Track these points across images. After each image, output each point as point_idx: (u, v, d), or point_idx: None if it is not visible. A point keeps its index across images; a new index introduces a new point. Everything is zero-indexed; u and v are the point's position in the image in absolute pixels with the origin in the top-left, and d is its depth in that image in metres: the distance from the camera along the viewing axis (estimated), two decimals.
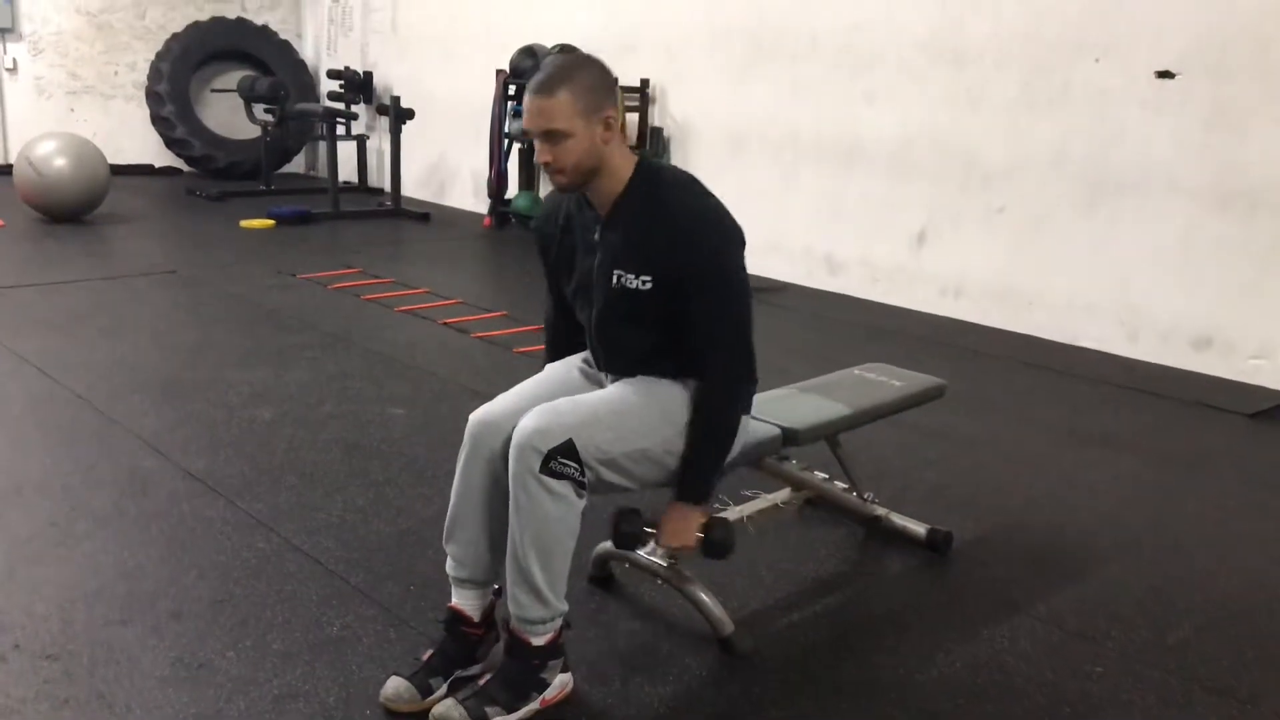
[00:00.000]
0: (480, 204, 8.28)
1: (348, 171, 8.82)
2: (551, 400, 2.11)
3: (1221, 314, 4.75)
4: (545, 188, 7.95)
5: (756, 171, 6.36)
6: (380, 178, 9.28)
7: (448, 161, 8.78)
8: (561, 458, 1.96)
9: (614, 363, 2.23)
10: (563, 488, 1.98)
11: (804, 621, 2.53)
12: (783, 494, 2.77)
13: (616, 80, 2.11)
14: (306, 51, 10.08)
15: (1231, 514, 3.28)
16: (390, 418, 3.77)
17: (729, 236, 2.09)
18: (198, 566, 2.65)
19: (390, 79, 9.07)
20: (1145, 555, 2.95)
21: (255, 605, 2.48)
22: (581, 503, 2.02)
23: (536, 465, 1.96)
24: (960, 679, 2.30)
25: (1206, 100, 4.68)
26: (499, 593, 2.21)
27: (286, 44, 9.79)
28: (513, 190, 7.91)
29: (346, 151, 8.70)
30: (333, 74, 9.20)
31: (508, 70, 7.55)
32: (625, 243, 2.11)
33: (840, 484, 2.92)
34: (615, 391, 2.15)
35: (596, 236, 2.15)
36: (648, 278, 2.09)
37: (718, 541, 2.25)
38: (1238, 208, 4.64)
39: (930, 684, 2.28)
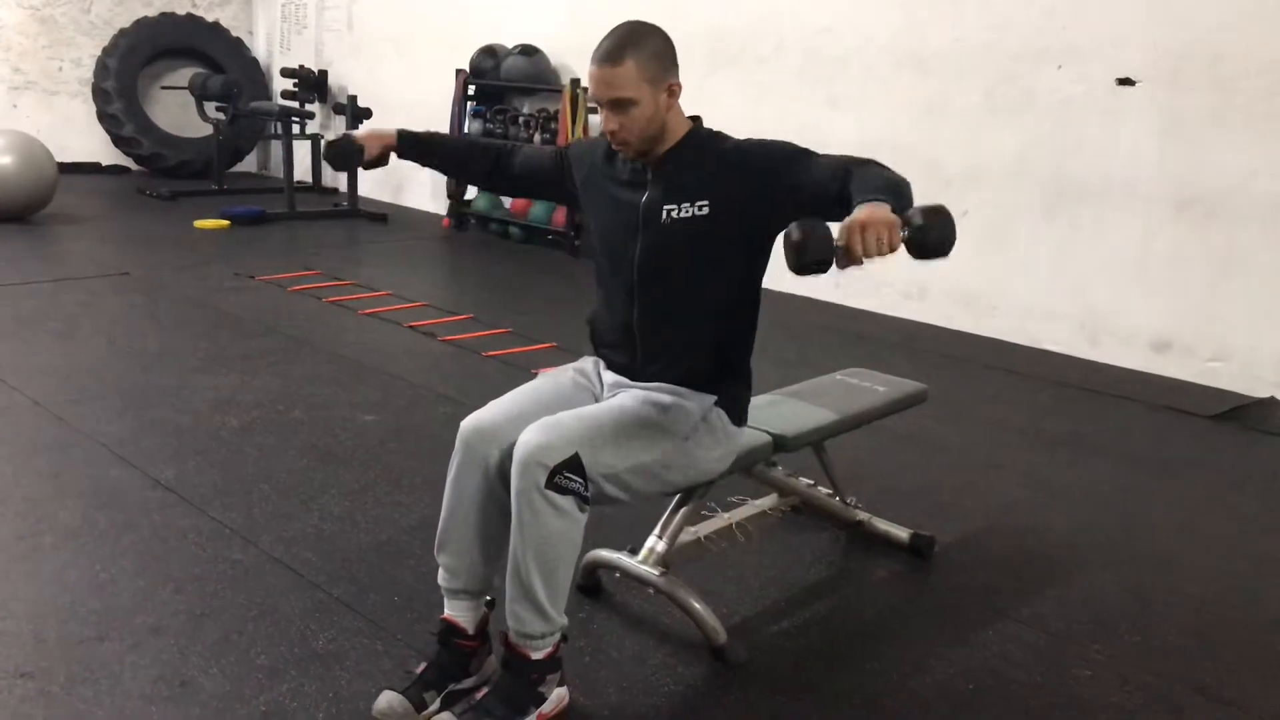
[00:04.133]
0: (439, 204, 8.21)
1: (301, 171, 8.68)
2: (546, 410, 2.09)
3: (1180, 318, 4.83)
4: None
5: None
6: (335, 178, 9.15)
7: (405, 162, 8.64)
8: (567, 473, 1.93)
9: (647, 318, 2.18)
10: (567, 503, 1.95)
11: (794, 629, 2.52)
12: (769, 500, 2.77)
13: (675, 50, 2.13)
14: (259, 49, 9.91)
15: (1202, 516, 3.33)
16: (362, 424, 3.71)
17: (786, 142, 2.11)
18: (174, 580, 2.58)
19: (345, 78, 8.94)
20: (1123, 558, 2.99)
21: (236, 619, 2.41)
22: (584, 517, 1.99)
23: (542, 480, 1.92)
24: (954, 685, 2.31)
25: (1164, 110, 4.76)
26: (492, 604, 2.18)
27: (238, 41, 9.62)
28: (472, 191, 7.84)
29: (300, 151, 8.56)
30: (286, 72, 9.06)
31: (467, 70, 7.49)
32: (679, 179, 2.12)
33: (823, 489, 2.92)
34: (617, 403, 2.13)
35: (649, 176, 2.16)
36: (704, 203, 2.09)
37: (928, 227, 1.77)
38: (1195, 214, 4.73)
39: (925, 691, 2.29)
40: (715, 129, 2.20)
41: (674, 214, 2.12)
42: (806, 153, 2.07)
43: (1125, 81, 4.87)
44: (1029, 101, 5.17)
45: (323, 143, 2.43)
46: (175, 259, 6.24)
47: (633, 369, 2.22)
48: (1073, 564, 2.94)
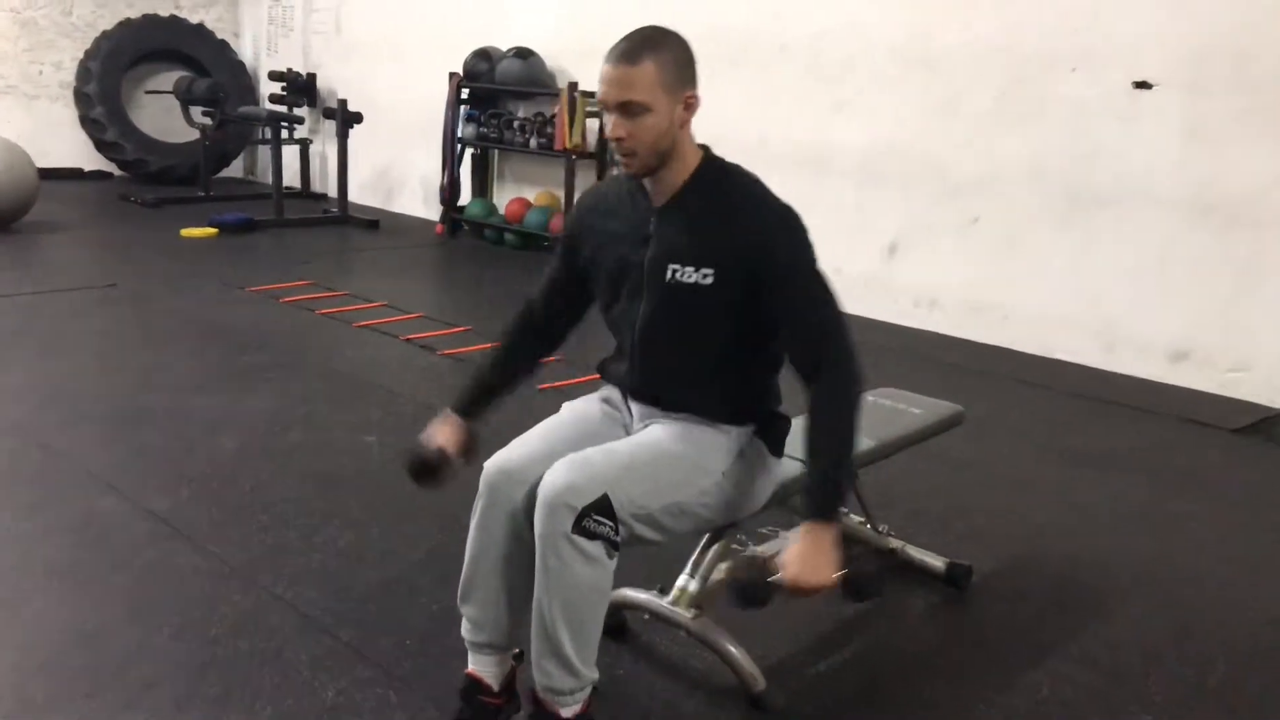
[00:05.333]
0: (431, 211, 8.04)
1: (290, 176, 8.49)
2: (575, 445, 1.94)
3: (1199, 327, 4.71)
4: (499, 195, 7.74)
5: None
6: (324, 183, 8.97)
7: (396, 167, 8.51)
8: (596, 515, 1.78)
9: (651, 380, 2.04)
10: (595, 549, 1.80)
11: (832, 671, 2.38)
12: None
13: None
14: (245, 52, 9.71)
15: (1238, 538, 3.21)
16: (363, 446, 3.55)
17: (804, 231, 1.95)
18: (170, 625, 2.41)
19: (335, 81, 8.76)
20: (1163, 586, 2.86)
21: (240, 669, 2.25)
22: (613, 563, 1.84)
23: (569, 525, 1.77)
24: None
25: (1184, 113, 4.64)
26: (520, 657, 2.03)
27: (223, 44, 9.43)
28: (465, 197, 7.68)
29: (289, 156, 8.38)
30: (274, 75, 8.87)
31: (461, 73, 7.32)
32: (684, 234, 1.94)
33: (855, 516, 2.78)
34: (648, 438, 1.97)
35: (651, 229, 1.97)
36: (709, 270, 1.91)
37: (867, 577, 1.88)
38: (1215, 221, 4.61)
39: None
40: (728, 163, 2.01)
41: (678, 275, 1.93)
42: (809, 282, 1.92)
43: (1142, 85, 4.74)
44: (1042, 105, 5.04)
45: (406, 467, 2.12)
46: (162, 269, 6.05)
47: (659, 404, 2.07)
48: (1114, 592, 2.81)
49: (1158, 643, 2.55)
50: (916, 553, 2.81)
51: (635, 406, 2.10)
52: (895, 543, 2.82)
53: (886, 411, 2.75)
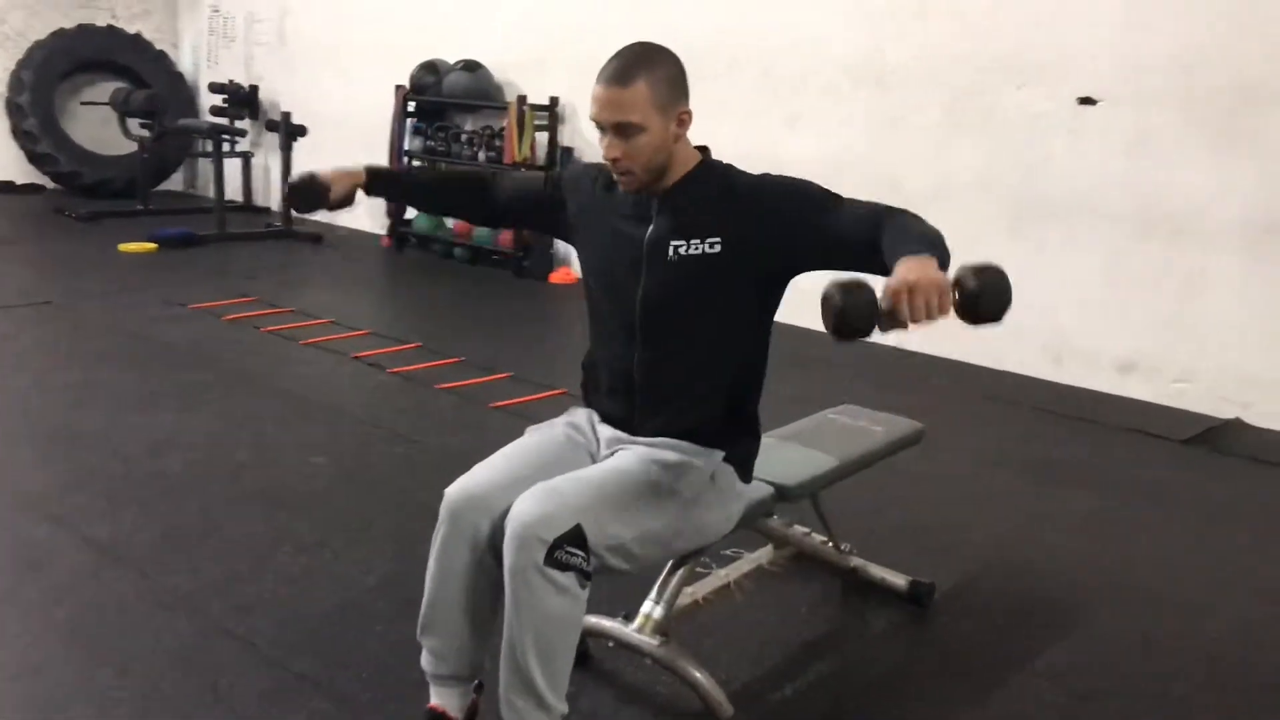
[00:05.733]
0: (376, 224, 7.93)
1: (231, 190, 8.32)
2: (540, 472, 1.89)
3: (1145, 339, 4.78)
4: None
5: None
6: (266, 197, 8.82)
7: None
8: (568, 547, 1.73)
9: (651, 363, 1.98)
10: (567, 580, 1.74)
11: (799, 695, 2.34)
12: (766, 553, 2.59)
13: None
14: (184, 63, 9.52)
15: (1194, 550, 3.23)
16: (312, 468, 3.46)
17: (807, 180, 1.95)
18: (115, 659, 2.31)
19: (277, 93, 8.61)
20: (1124, 599, 2.87)
21: (189, 705, 2.17)
22: (585, 594, 1.79)
23: (540, 557, 1.72)
24: None
25: (1129, 129, 4.71)
26: (481, 688, 1.97)
27: (161, 54, 9.23)
28: (412, 211, 7.58)
29: (230, 169, 8.20)
30: (214, 87, 8.71)
31: (408, 86, 7.24)
32: (688, 213, 1.94)
33: (817, 536, 2.76)
34: (618, 465, 1.92)
35: (653, 210, 1.97)
36: (716, 240, 1.91)
37: (989, 291, 1.59)
38: (1160, 234, 4.68)
39: None
40: (727, 162, 2.02)
41: (682, 250, 1.93)
42: (834, 197, 1.91)
43: (1086, 100, 4.81)
44: (991, 119, 5.09)
45: (286, 184, 2.19)
46: (100, 285, 5.89)
47: (631, 422, 2.02)
48: (1076, 606, 2.81)
49: (1121, 658, 2.55)
50: (878, 571, 2.79)
51: (603, 431, 2.05)
52: (856, 561, 2.80)
53: (847, 429, 2.73)
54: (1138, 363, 4.80)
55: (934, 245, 1.69)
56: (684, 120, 1.92)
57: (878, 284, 1.66)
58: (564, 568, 1.74)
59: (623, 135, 1.86)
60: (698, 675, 2.17)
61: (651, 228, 1.97)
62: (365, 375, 4.53)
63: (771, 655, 2.48)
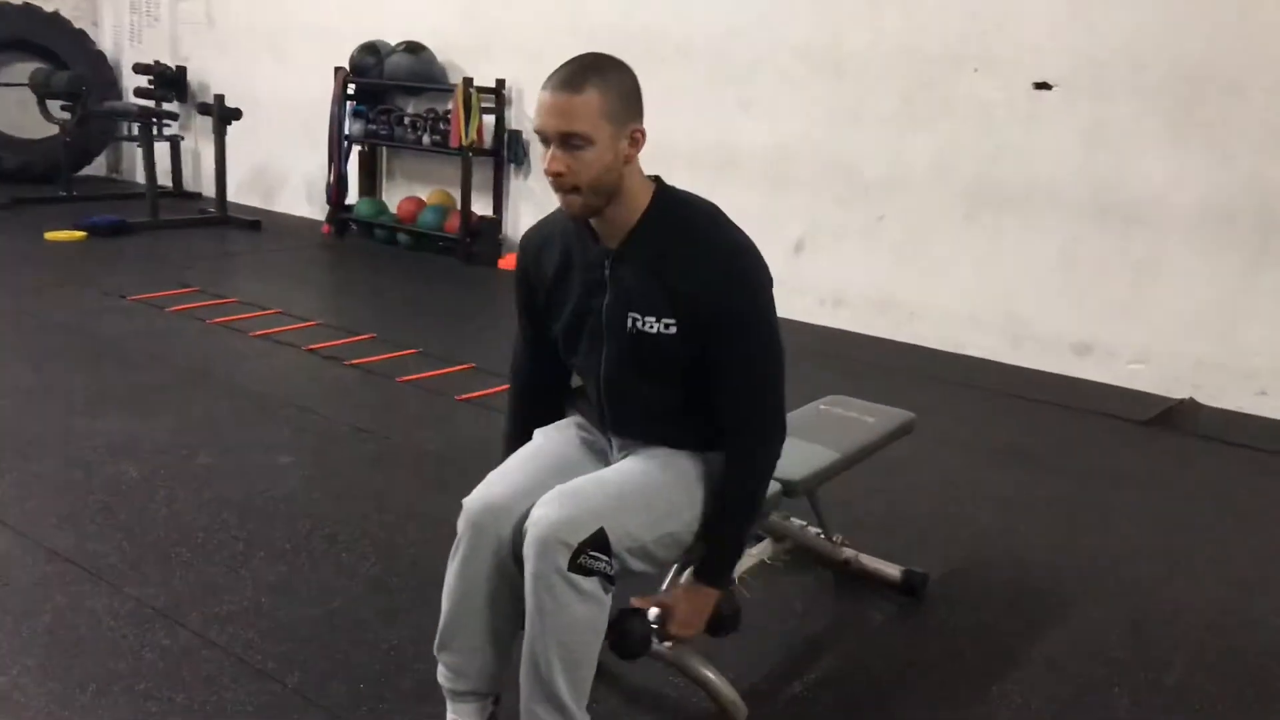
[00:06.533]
0: (315, 210, 7.74)
1: (160, 175, 8.00)
2: (559, 477, 1.82)
3: (1100, 321, 4.85)
4: (389, 193, 7.48)
5: None
6: (197, 182, 8.54)
7: (276, 165, 8.15)
8: (592, 551, 1.67)
9: (622, 423, 1.94)
10: (591, 585, 1.69)
11: (807, 692, 2.31)
12: (765, 547, 2.55)
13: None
14: (105, 43, 9.14)
15: (1168, 531, 3.28)
16: (279, 468, 3.34)
17: (765, 276, 1.83)
18: (94, 678, 2.20)
19: (208, 75, 8.34)
20: (1109, 583, 2.90)
21: None
22: (608, 599, 1.74)
23: (564, 562, 1.66)
24: None
25: (1085, 117, 4.76)
26: (498, 701, 1.90)
27: (81, 34, 8.85)
28: (353, 195, 7.40)
29: (158, 154, 7.90)
30: (140, 68, 8.38)
31: (347, 68, 7.04)
32: (643, 280, 1.80)
33: (812, 529, 2.73)
34: (636, 467, 1.86)
35: (606, 273, 1.84)
36: (670, 320, 1.79)
37: (728, 617, 2.00)
38: (1115, 219, 4.75)
39: None
40: (682, 193, 1.86)
41: (639, 325, 1.81)
42: (758, 343, 1.83)
43: (1042, 85, 4.85)
44: (948, 107, 5.11)
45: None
46: (30, 277, 5.63)
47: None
48: (1062, 594, 2.83)
49: (1113, 645, 2.57)
50: (871, 562, 2.78)
51: (614, 436, 1.99)
52: (849, 553, 2.78)
53: (841, 421, 2.70)
54: (1093, 345, 4.87)
55: (730, 562, 1.95)
56: (637, 139, 1.76)
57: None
58: (588, 573, 1.68)
59: (568, 148, 1.70)
60: (711, 676, 2.12)
61: (608, 297, 1.84)
62: (323, 369, 4.40)
63: (775, 653, 2.46)
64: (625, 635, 1.86)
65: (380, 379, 4.28)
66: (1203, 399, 4.59)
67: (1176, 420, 4.40)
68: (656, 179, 1.86)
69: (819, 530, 2.73)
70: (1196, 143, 4.50)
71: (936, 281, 5.25)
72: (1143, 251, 4.70)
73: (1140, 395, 4.63)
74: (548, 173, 1.74)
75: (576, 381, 2.09)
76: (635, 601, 1.91)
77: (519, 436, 2.03)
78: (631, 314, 1.82)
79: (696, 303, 1.78)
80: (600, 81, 1.70)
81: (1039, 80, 4.84)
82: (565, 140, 1.70)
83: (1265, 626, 2.72)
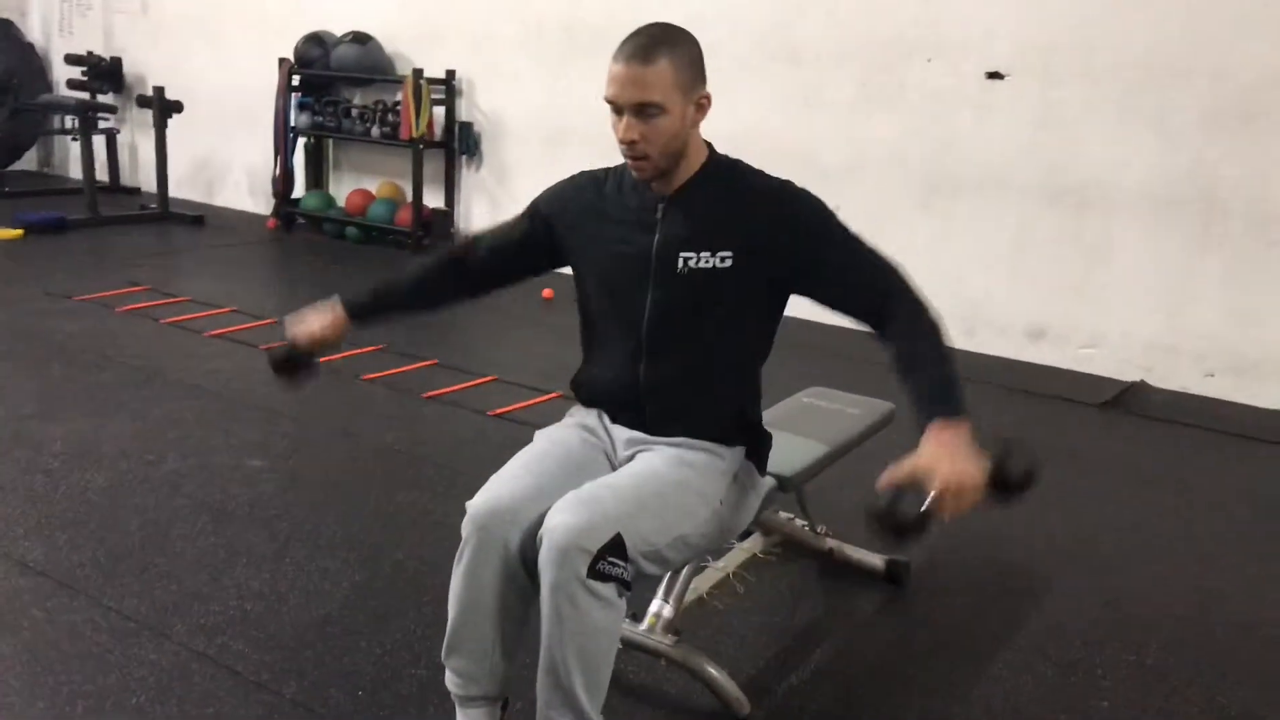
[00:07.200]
0: (259, 204, 7.60)
1: (95, 170, 7.81)
2: (566, 479, 1.82)
3: (1054, 306, 4.96)
4: (336, 186, 7.36)
5: (579, 169, 6.09)
6: (135, 176, 8.34)
7: (217, 158, 7.97)
8: (611, 557, 1.67)
9: (653, 386, 1.92)
10: (609, 591, 1.68)
11: (805, 684, 2.34)
12: (756, 542, 2.58)
13: None
14: (34, 33, 8.86)
15: (1134, 512, 3.37)
16: (250, 472, 3.28)
17: (820, 200, 1.90)
18: (83, 695, 2.14)
19: (144, 66, 8.13)
20: (1082, 565, 2.97)
21: None
22: (624, 604, 1.74)
23: (584, 569, 1.65)
24: None
25: (1035, 103, 4.84)
26: (506, 704, 1.90)
27: (8, 23, 8.56)
28: (299, 189, 7.28)
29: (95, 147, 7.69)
30: (71, 59, 8.14)
31: (292, 59, 6.91)
32: (696, 221, 1.86)
33: (797, 520, 2.76)
34: (646, 469, 1.86)
35: (658, 215, 1.88)
36: (727, 253, 1.84)
37: (1021, 467, 1.64)
38: (1066, 205, 4.85)
39: None
40: (733, 157, 1.96)
41: (691, 263, 1.86)
42: (852, 239, 1.87)
43: (995, 75, 4.92)
44: (902, 94, 5.17)
45: (267, 359, 2.07)
46: None
47: (645, 427, 1.96)
48: (1038, 576, 2.90)
49: (1092, 626, 2.64)
50: (854, 552, 2.81)
51: (618, 431, 1.99)
52: (832, 543, 2.82)
53: (826, 413, 2.73)
54: (1047, 330, 4.97)
55: (958, 390, 1.72)
56: (703, 105, 1.85)
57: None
58: (606, 579, 1.68)
59: (643, 116, 1.77)
60: (714, 672, 2.14)
61: (658, 236, 1.88)
62: None
63: (769, 646, 2.48)
64: (898, 520, 1.57)
65: (344, 377, 4.22)
66: (1154, 381, 4.71)
67: (1130, 403, 4.51)
68: (709, 145, 1.94)
69: (804, 522, 2.76)
70: (1143, 128, 4.61)
71: None
72: (1093, 236, 4.80)
73: (1094, 379, 4.74)
74: (622, 141, 1.80)
75: (571, 384, 2.09)
76: (884, 481, 1.61)
77: (412, 282, 2.15)
78: (683, 254, 1.86)
79: (757, 233, 1.85)
80: (671, 52, 1.77)
81: (991, 70, 4.92)
82: (640, 110, 1.77)
83: (1230, 599, 2.81)
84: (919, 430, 1.68)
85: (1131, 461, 3.85)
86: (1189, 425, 4.23)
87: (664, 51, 1.77)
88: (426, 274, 2.15)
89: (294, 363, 2.10)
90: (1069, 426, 4.19)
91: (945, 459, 1.60)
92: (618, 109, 1.80)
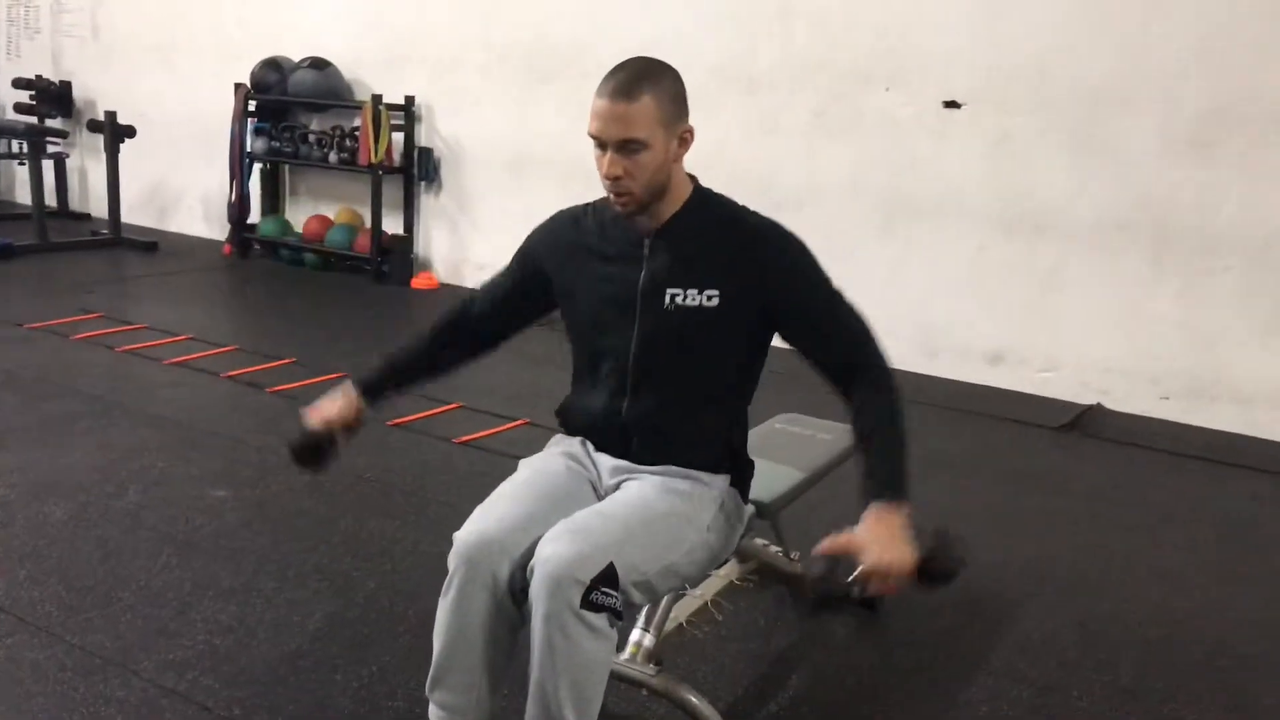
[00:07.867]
0: (214, 230, 7.50)
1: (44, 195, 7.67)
2: (554, 509, 1.81)
3: (1012, 331, 5.03)
4: (293, 212, 7.29)
5: (541, 196, 6.03)
6: (84, 202, 8.20)
7: (169, 184, 7.86)
8: (603, 587, 1.66)
9: (638, 418, 1.92)
10: (601, 621, 1.67)
11: (784, 711, 2.34)
12: (732, 568, 2.57)
13: None
14: None
15: (1095, 532, 3.41)
16: (214, 503, 3.22)
17: (808, 248, 1.92)
18: None
19: (94, 90, 8.00)
20: (1051, 586, 3.00)
21: None
22: (615, 634, 1.73)
23: (577, 599, 1.64)
24: None
25: (991, 131, 4.93)
26: None
27: None
28: (255, 215, 7.20)
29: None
30: (19, 83, 8.00)
31: (249, 85, 6.85)
32: (682, 257, 1.87)
33: (774, 547, 2.76)
34: (634, 497, 1.85)
35: (645, 251, 1.89)
36: (714, 292, 1.85)
37: (947, 560, 1.70)
38: (1023, 231, 4.93)
39: None
40: (718, 193, 1.97)
41: (679, 300, 1.86)
42: (833, 293, 1.91)
43: (951, 104, 5.01)
44: (860, 122, 5.23)
45: (288, 450, 2.08)
46: None
47: (630, 456, 1.96)
48: (1008, 599, 2.92)
49: (1065, 649, 2.66)
50: None
51: (602, 460, 1.98)
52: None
53: (800, 439, 2.74)
54: (1005, 354, 5.04)
55: (904, 477, 1.80)
56: (686, 139, 1.87)
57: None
58: (599, 609, 1.67)
59: (626, 152, 1.79)
60: (697, 703, 2.13)
61: (645, 272, 1.89)
62: (244, 396, 4.26)
63: (747, 673, 2.48)
64: (825, 589, 1.64)
65: (305, 406, 4.15)
66: (1110, 404, 4.79)
67: (1087, 426, 4.58)
68: (693, 177, 1.95)
69: (779, 548, 2.76)
70: (1095, 156, 4.71)
71: (853, 294, 5.35)
72: (1049, 261, 4.89)
73: (1052, 402, 4.81)
74: (606, 176, 1.82)
75: (556, 412, 2.09)
76: (821, 549, 1.66)
77: (419, 351, 2.15)
78: (670, 290, 1.87)
79: (744, 273, 1.85)
80: (654, 88, 1.79)
81: (948, 99, 5.00)
82: (623, 146, 1.78)
83: (1198, 619, 2.86)
84: (863, 503, 1.73)
85: (1092, 483, 3.90)
86: (1146, 448, 4.30)
87: (647, 87, 1.78)
88: (433, 339, 2.14)
89: (314, 450, 2.06)
90: (1029, 449, 4.25)
91: (879, 542, 1.65)
92: (601, 144, 1.81)
